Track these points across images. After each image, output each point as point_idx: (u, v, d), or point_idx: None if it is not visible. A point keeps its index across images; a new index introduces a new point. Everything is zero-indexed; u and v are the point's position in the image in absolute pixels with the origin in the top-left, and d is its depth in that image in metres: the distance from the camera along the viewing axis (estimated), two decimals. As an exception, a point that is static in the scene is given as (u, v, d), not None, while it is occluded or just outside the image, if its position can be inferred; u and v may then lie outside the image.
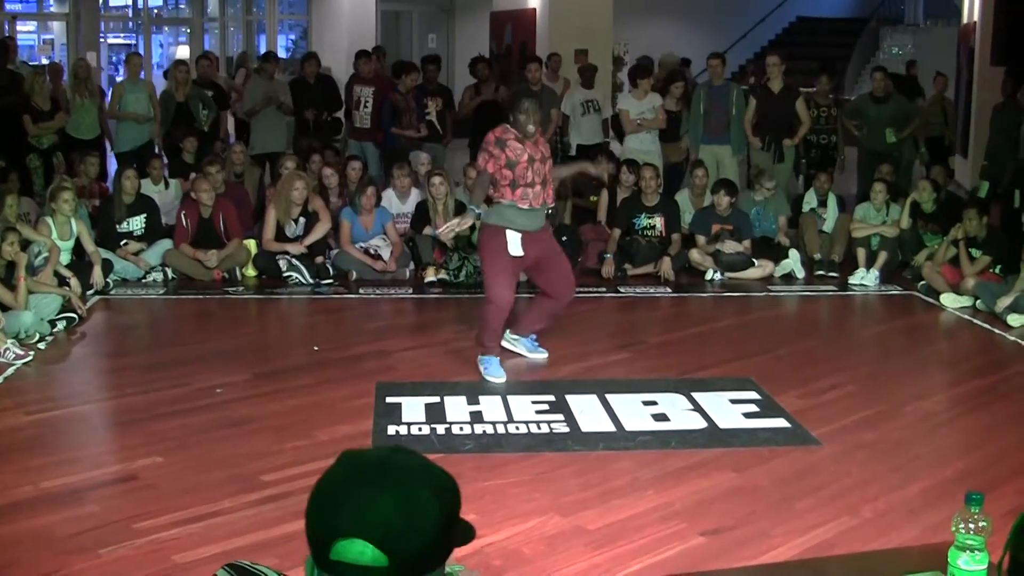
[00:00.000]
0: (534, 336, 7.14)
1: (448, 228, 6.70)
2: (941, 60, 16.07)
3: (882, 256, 9.59)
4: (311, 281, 9.11)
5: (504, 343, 6.97)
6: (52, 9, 25.39)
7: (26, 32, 23.97)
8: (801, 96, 11.20)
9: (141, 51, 22.84)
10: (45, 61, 20.36)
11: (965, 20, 15.90)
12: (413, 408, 6.02)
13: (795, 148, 11.14)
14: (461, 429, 5.73)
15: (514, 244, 6.57)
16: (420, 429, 5.71)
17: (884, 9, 24.97)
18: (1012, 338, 7.87)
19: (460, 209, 9.56)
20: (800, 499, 4.89)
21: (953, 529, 2.41)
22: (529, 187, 6.52)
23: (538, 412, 6.00)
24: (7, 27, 20.68)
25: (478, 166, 6.72)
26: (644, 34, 18.98)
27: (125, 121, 11.58)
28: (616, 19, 14.43)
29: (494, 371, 6.66)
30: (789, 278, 9.66)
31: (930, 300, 8.88)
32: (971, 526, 2.39)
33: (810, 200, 10.39)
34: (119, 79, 11.93)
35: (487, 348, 6.76)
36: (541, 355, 7.09)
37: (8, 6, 23.07)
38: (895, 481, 5.12)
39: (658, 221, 9.73)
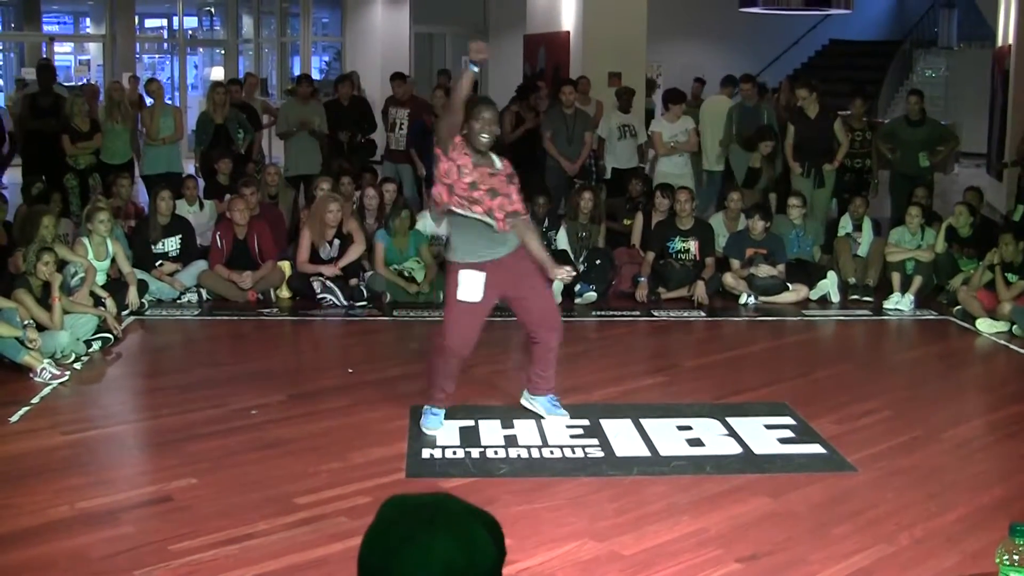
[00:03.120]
0: (553, 395, 6.32)
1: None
2: (975, 82, 15.99)
3: (917, 280, 9.53)
4: (345, 303, 9.12)
5: (523, 402, 6.35)
6: (89, 31, 25.71)
7: (63, 53, 24.26)
8: (839, 118, 11.18)
9: (176, 72, 23.11)
10: (84, 80, 20.54)
11: (1000, 42, 15.84)
12: (447, 431, 6.01)
13: (834, 173, 11.10)
14: (496, 453, 5.72)
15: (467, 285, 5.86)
16: (455, 452, 5.71)
17: (917, 32, 24.91)
18: (1050, 364, 7.81)
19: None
20: (836, 525, 4.85)
21: (997, 560, 2.40)
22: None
23: (572, 436, 5.98)
24: (44, 48, 20.95)
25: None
26: (677, 56, 19.00)
27: (152, 145, 11.66)
28: (649, 41, 14.44)
29: (432, 422, 6.04)
30: (823, 301, 9.61)
31: (965, 325, 8.81)
32: (1015, 557, 2.37)
33: (845, 224, 10.36)
34: (148, 104, 11.93)
35: (432, 398, 6.14)
36: (560, 416, 6.25)
37: (46, 28, 23.39)
38: (932, 508, 5.08)
39: (692, 245, 9.72)
